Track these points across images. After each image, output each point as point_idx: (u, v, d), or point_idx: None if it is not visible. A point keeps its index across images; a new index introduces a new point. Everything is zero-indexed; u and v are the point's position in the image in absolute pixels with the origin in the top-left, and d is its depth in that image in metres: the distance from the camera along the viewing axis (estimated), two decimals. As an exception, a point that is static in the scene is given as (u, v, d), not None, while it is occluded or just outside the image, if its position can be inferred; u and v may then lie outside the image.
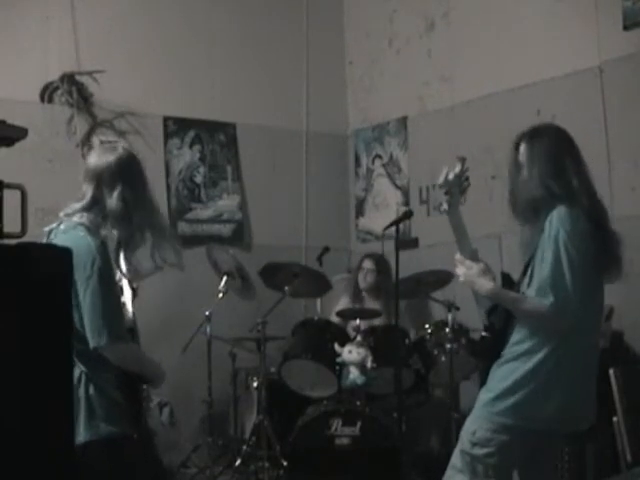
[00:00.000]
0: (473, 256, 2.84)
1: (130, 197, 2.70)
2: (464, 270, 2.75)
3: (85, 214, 2.68)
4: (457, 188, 2.92)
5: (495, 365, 2.75)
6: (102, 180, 2.70)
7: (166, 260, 2.81)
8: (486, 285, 2.70)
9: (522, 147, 2.79)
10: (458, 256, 2.83)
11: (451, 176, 2.90)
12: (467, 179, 2.97)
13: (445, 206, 2.91)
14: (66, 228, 2.67)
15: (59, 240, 2.61)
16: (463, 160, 2.94)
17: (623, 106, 4.56)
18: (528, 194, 2.72)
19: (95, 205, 2.70)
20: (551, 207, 2.66)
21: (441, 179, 2.92)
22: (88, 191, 2.71)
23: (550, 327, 2.65)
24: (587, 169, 2.79)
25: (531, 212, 2.72)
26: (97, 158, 2.77)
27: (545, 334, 2.65)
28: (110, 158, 2.74)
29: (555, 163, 2.73)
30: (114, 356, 2.60)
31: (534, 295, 2.65)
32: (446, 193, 2.90)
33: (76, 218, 2.68)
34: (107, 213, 2.68)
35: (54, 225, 2.71)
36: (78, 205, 2.71)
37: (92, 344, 2.54)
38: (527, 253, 2.74)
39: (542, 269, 2.62)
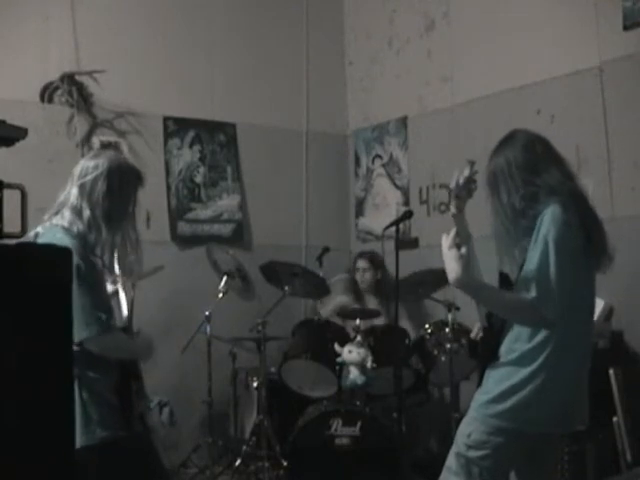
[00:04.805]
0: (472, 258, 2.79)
1: (107, 205, 2.76)
2: (445, 243, 2.62)
3: (65, 215, 2.74)
4: (466, 192, 2.91)
5: (491, 367, 2.72)
6: (84, 186, 2.77)
7: (129, 271, 2.88)
8: (455, 271, 2.56)
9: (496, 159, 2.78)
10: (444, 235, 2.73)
11: (462, 180, 2.89)
12: (475, 182, 2.94)
13: (454, 210, 2.91)
14: (45, 230, 2.73)
15: (40, 242, 2.64)
16: (472, 163, 2.92)
17: (623, 106, 4.56)
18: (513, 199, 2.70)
19: (74, 208, 2.76)
20: (537, 207, 2.65)
21: (453, 183, 2.91)
22: (70, 194, 2.79)
23: (531, 321, 2.61)
24: (564, 161, 2.76)
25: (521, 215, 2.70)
26: (84, 163, 2.84)
27: (544, 338, 2.61)
28: (94, 164, 2.80)
29: (530, 164, 2.71)
30: (99, 347, 2.64)
31: (518, 288, 2.62)
32: (456, 197, 2.89)
33: (56, 220, 2.75)
34: (84, 217, 2.74)
35: (39, 228, 2.75)
36: (59, 207, 2.78)
37: (77, 338, 2.56)
38: (520, 255, 2.71)
39: (529, 264, 2.60)
